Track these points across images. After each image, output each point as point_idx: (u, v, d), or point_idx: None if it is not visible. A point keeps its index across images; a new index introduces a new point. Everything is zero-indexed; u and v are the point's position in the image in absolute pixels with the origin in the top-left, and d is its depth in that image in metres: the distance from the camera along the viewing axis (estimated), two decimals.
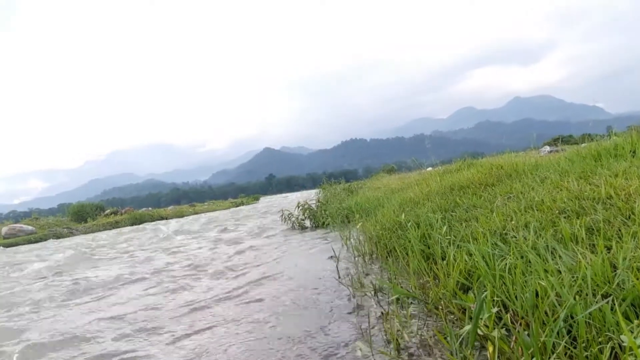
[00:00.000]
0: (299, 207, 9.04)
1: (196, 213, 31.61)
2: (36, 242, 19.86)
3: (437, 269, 2.64)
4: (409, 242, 3.21)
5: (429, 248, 3.08)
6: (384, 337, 2.36)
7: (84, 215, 28.96)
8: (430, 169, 24.95)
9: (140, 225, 22.81)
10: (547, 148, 14.12)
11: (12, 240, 20.57)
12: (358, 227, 5.14)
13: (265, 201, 44.99)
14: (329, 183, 21.89)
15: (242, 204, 42.09)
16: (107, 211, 31.30)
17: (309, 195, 31.49)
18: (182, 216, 28.90)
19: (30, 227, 23.82)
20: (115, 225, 25.21)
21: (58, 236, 21.54)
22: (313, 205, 9.36)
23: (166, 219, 27.38)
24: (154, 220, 26.16)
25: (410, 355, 2.08)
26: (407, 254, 3.24)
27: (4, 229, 23.00)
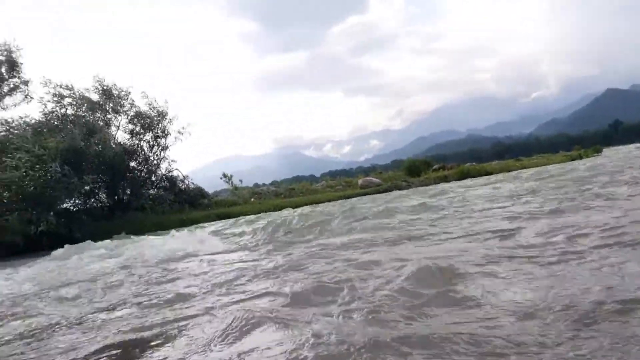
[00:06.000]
0: None
1: (523, 167, 29.98)
2: (383, 192, 23.72)
3: None
4: None
5: None
6: None
7: (415, 170, 32.26)
8: None
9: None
10: None
11: (367, 190, 25.36)
12: None
13: (611, 154, 37.73)
14: None
15: (578, 157, 36.83)
16: (435, 166, 33.84)
17: None
18: (508, 171, 28.03)
19: (377, 180, 28.68)
20: (444, 179, 26.99)
21: (399, 188, 25.00)
22: None
23: (492, 173, 27.23)
24: (480, 175, 26.51)
25: None
26: None
27: (360, 181, 28.63)
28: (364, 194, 23.49)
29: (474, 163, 38.76)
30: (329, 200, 21.01)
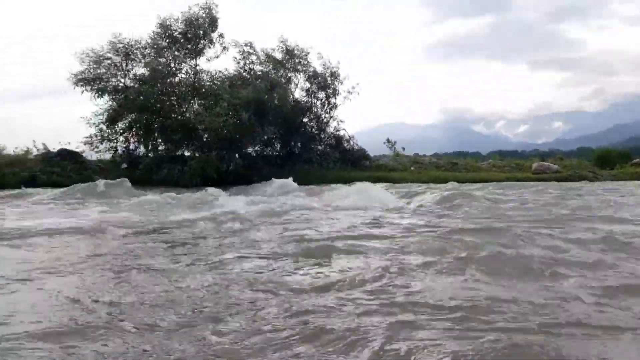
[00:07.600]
0: None
1: None
2: (562, 180, 20.90)
3: None
4: None
5: None
6: None
7: (608, 161, 27.58)
8: None
9: None
10: None
11: (540, 176, 22.70)
12: None
13: None
14: None
15: None
16: (635, 160, 28.36)
17: None
18: None
19: (555, 166, 25.36)
20: None
21: (581, 178, 21.74)
22: None
23: None
24: None
25: None
26: None
27: (534, 165, 25.72)
28: (537, 180, 21.07)
29: None
30: (495, 181, 19.49)
